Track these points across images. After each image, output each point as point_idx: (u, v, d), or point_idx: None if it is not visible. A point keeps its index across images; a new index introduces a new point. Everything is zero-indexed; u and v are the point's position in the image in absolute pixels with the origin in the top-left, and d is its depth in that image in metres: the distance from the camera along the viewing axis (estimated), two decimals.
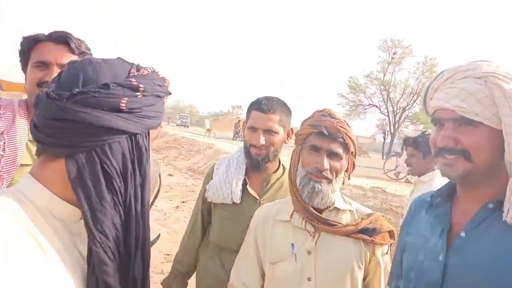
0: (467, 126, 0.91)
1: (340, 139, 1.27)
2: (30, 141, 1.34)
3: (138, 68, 0.70)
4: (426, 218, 1.09)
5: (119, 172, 0.67)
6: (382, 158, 29.52)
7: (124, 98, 0.65)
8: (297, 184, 1.32)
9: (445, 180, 2.42)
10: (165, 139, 20.18)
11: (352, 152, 1.33)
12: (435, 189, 2.92)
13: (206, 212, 1.78)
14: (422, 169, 2.85)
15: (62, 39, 1.36)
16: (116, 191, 0.66)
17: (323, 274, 1.26)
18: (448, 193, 1.08)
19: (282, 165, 1.76)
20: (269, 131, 1.62)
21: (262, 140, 1.60)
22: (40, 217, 0.63)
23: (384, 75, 37.81)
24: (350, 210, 1.38)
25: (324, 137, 1.27)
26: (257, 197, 1.66)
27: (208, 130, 26.62)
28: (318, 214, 1.30)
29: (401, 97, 37.64)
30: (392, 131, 37.06)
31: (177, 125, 47.93)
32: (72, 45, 1.36)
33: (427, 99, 1.01)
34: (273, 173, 1.73)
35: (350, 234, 1.28)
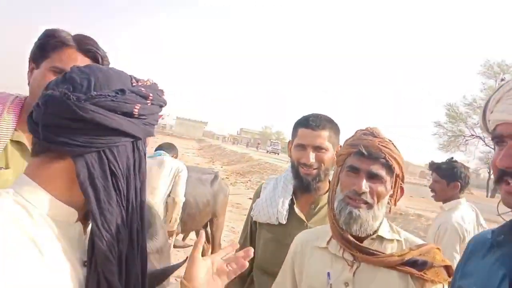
0: None
1: (382, 160, 1.16)
2: (12, 141, 1.22)
3: (137, 79, 0.74)
4: (485, 260, 0.91)
5: (124, 174, 0.70)
6: (487, 196, 26.19)
7: (137, 105, 0.69)
8: (335, 209, 1.22)
9: (469, 211, 2.15)
10: (250, 163, 20.77)
11: (397, 175, 1.20)
12: (456, 218, 2.49)
13: (254, 231, 1.72)
14: (445, 196, 2.78)
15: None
16: (120, 192, 0.69)
17: None
18: None
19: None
20: (318, 148, 1.54)
21: (312, 158, 1.53)
22: (37, 218, 0.63)
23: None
24: (397, 240, 1.23)
25: (363, 157, 1.17)
26: (304, 220, 1.58)
27: None
28: (357, 242, 1.18)
29: None
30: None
31: (268, 151, 48.78)
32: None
33: (487, 112, 0.87)
34: (323, 194, 1.62)
35: (394, 266, 1.14)
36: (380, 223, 1.22)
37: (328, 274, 1.18)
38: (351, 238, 1.18)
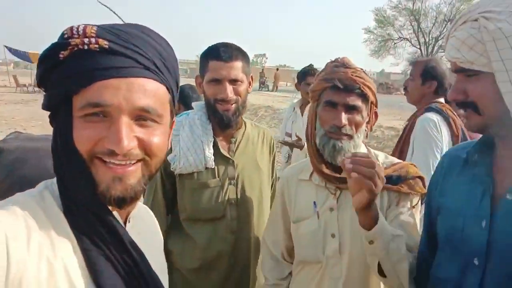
0: (471, 76, 0.86)
1: (357, 91, 1.19)
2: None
3: None
4: (462, 177, 0.99)
5: None
6: None
7: None
8: (317, 144, 1.25)
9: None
10: None
11: (372, 102, 1.24)
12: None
13: (169, 186, 1.56)
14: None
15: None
16: None
17: (347, 230, 1.23)
18: (487, 148, 0.95)
19: (242, 119, 1.64)
20: (234, 81, 1.47)
21: (230, 92, 1.46)
22: None
23: (414, 3, 35.23)
24: None
25: (339, 91, 1.19)
26: (229, 156, 1.56)
27: None
28: (335, 174, 1.24)
29: (433, 26, 35.34)
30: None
31: None
32: None
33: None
34: (239, 128, 1.61)
35: None
36: (359, 149, 1.28)
37: (314, 203, 1.28)
38: (329, 172, 1.24)
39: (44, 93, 0.67)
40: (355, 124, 1.21)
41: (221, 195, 1.52)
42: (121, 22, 0.73)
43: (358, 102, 1.20)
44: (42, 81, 0.66)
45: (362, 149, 1.29)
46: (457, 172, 1.01)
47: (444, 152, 2.11)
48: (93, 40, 0.61)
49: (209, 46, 1.52)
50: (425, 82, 2.37)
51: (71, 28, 0.63)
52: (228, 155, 1.56)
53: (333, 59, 1.29)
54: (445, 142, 2.22)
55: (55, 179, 0.67)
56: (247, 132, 1.64)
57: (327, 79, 1.22)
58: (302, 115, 3.44)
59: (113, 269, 0.63)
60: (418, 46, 36.18)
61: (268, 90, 26.19)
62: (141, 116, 0.64)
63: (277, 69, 28.50)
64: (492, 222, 0.87)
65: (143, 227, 0.80)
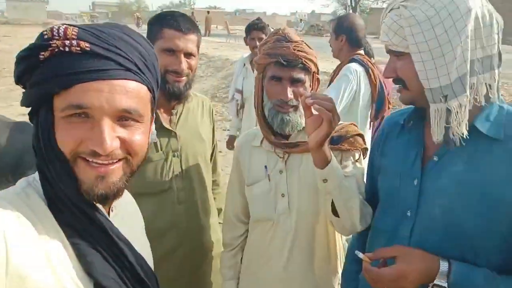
0: (400, 57, 0.98)
1: (300, 65, 1.25)
2: None
3: None
4: (399, 140, 1.11)
5: None
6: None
7: None
8: (267, 116, 1.33)
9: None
10: None
11: (314, 72, 1.32)
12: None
13: None
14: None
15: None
16: None
17: (295, 189, 1.33)
18: (420, 116, 1.07)
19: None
20: (189, 54, 1.44)
21: (184, 65, 1.42)
22: None
23: None
24: None
25: (283, 66, 1.25)
26: (172, 129, 1.52)
27: None
28: (281, 141, 1.34)
29: None
30: (353, 4, 35.80)
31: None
32: None
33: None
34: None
35: None
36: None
37: (265, 167, 1.38)
38: (276, 140, 1.34)
39: (23, 90, 0.67)
40: (300, 95, 1.27)
41: (165, 168, 1.49)
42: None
43: (301, 75, 1.27)
44: (20, 79, 0.66)
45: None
46: (395, 136, 1.14)
47: (356, 97, 2.46)
48: (74, 42, 0.62)
49: (164, 12, 1.46)
50: (337, 37, 2.63)
51: (52, 29, 0.63)
52: (170, 127, 1.52)
53: (275, 31, 1.34)
54: (364, 90, 2.51)
55: (36, 175, 0.68)
56: (186, 103, 1.59)
57: (271, 54, 1.27)
58: (253, 70, 3.43)
59: (104, 260, 0.66)
60: None
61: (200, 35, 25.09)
62: (123, 117, 0.66)
63: (208, 12, 27.25)
64: (422, 180, 1.00)
65: (125, 211, 0.83)
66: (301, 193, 1.33)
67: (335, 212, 1.18)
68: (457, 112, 0.91)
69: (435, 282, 0.89)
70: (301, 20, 30.69)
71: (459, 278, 0.88)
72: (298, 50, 1.25)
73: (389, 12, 0.97)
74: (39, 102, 0.65)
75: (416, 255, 0.94)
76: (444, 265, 0.90)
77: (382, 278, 0.94)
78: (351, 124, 1.38)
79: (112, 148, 0.64)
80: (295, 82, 1.27)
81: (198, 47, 1.50)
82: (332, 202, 1.16)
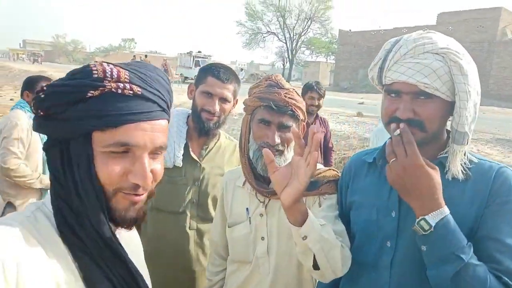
0: (425, 99, 0.97)
1: (290, 112, 1.27)
2: None
3: None
4: (369, 178, 1.16)
5: None
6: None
7: None
8: (251, 157, 1.33)
9: None
10: None
11: (302, 119, 1.34)
12: None
13: None
14: None
15: None
16: None
17: (274, 233, 1.34)
18: None
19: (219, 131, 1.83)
20: (224, 100, 1.67)
21: (217, 107, 1.65)
22: None
23: (279, 0, 37.85)
24: None
25: (273, 111, 1.26)
26: (198, 160, 1.72)
27: None
28: (261, 188, 1.33)
29: (296, 23, 38.66)
30: (290, 57, 38.27)
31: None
32: None
33: (384, 70, 1.02)
34: (214, 137, 1.80)
35: None
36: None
37: (247, 209, 1.38)
38: (257, 186, 1.34)
39: (50, 121, 0.67)
40: (287, 141, 1.28)
41: (183, 193, 1.67)
42: None
43: (290, 122, 1.28)
44: (50, 109, 0.66)
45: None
46: (364, 174, 1.18)
47: None
48: (127, 85, 0.66)
49: (212, 64, 1.74)
50: None
51: (103, 70, 0.66)
52: (196, 159, 1.71)
53: (267, 77, 1.37)
54: None
55: (46, 200, 0.70)
56: (219, 142, 1.80)
57: (262, 98, 1.29)
58: None
59: (109, 283, 0.67)
60: (284, 41, 39.18)
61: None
62: (157, 152, 0.72)
63: (146, 56, 27.40)
64: (400, 211, 1.05)
65: (127, 235, 0.84)
66: (280, 236, 1.32)
67: (315, 265, 1.09)
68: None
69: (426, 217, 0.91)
70: (241, 69, 31.93)
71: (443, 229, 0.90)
72: (289, 97, 1.28)
73: (422, 54, 0.97)
74: (74, 136, 0.66)
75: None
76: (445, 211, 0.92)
77: (418, 160, 0.92)
78: (330, 169, 1.36)
79: (150, 181, 0.69)
80: (283, 128, 1.28)
81: (234, 95, 1.73)
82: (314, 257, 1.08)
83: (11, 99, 12.16)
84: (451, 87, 0.97)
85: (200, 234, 1.72)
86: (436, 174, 0.94)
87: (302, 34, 39.24)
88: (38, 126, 0.69)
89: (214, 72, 1.67)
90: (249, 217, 1.36)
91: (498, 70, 26.79)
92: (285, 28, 38.83)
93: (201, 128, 1.68)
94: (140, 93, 0.67)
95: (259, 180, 1.34)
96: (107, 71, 0.66)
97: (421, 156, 0.94)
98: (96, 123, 0.65)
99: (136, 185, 0.68)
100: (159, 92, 0.71)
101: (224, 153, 1.80)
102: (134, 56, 28.99)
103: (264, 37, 39.85)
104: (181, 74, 26.75)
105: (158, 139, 0.70)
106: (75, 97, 0.64)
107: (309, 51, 41.50)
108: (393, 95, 1.02)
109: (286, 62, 37.57)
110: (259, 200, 1.36)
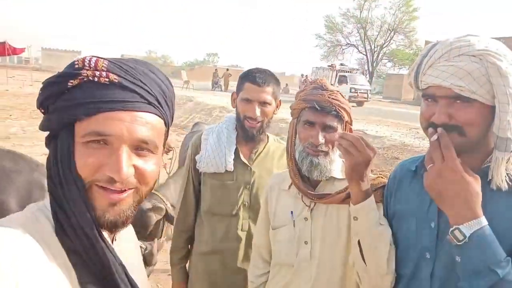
0: (462, 103, 0.93)
1: (334, 112, 1.30)
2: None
3: None
4: (412, 187, 1.13)
5: None
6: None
7: None
8: (296, 159, 1.36)
9: None
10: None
11: (347, 121, 1.35)
12: None
13: (197, 183, 1.84)
14: None
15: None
16: None
17: (318, 238, 1.34)
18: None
19: (266, 134, 1.85)
20: (263, 103, 1.69)
21: (258, 112, 1.68)
22: None
23: (361, 12, 37.05)
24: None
25: (317, 112, 1.30)
26: (248, 164, 1.77)
27: (186, 82, 25.70)
28: (308, 191, 1.35)
29: (378, 35, 37.31)
30: (370, 69, 37.07)
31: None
32: None
33: (420, 74, 1.00)
34: (262, 141, 1.83)
35: (340, 201, 1.30)
36: (335, 164, 1.37)
37: (292, 212, 1.40)
38: (303, 187, 1.36)
39: (46, 116, 0.70)
40: (331, 142, 1.31)
41: (235, 196, 1.74)
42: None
43: (334, 122, 1.31)
44: (43, 103, 0.69)
45: (337, 164, 1.38)
46: (408, 182, 1.16)
47: None
48: (104, 73, 0.66)
49: (249, 69, 1.76)
50: None
51: (83, 60, 0.67)
52: (247, 163, 1.77)
53: (312, 81, 1.42)
54: None
55: (46, 202, 0.69)
56: (268, 145, 1.84)
57: (306, 100, 1.33)
58: None
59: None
60: (365, 53, 38.07)
61: (221, 90, 26.18)
62: (140, 147, 0.69)
63: (227, 69, 28.65)
64: (439, 222, 1.03)
65: (126, 241, 0.83)
66: (324, 241, 1.34)
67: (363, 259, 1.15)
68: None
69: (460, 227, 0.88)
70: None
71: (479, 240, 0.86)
72: (332, 98, 1.31)
73: (457, 56, 0.94)
74: (60, 127, 0.67)
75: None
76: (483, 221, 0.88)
77: (455, 164, 0.91)
78: (379, 177, 1.35)
79: (127, 175, 0.66)
80: (328, 128, 1.31)
81: (274, 96, 1.73)
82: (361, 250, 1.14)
83: None
84: (491, 90, 0.92)
85: (250, 235, 1.77)
86: (474, 182, 0.90)
87: (384, 45, 37.76)
88: (41, 125, 0.70)
89: (250, 77, 1.70)
90: (293, 221, 1.38)
91: None
92: (365, 40, 37.75)
93: (246, 134, 1.73)
94: (116, 81, 0.66)
95: (306, 183, 1.37)
96: (85, 60, 0.67)
97: (461, 163, 0.91)
98: (75, 112, 0.65)
99: (110, 178, 0.65)
100: (144, 84, 0.69)
101: (273, 156, 1.84)
102: (216, 69, 30.52)
103: (343, 49, 39.22)
104: None
105: (138, 131, 0.67)
106: (59, 88, 0.66)
107: (391, 63, 39.74)
108: (429, 99, 0.99)
109: (366, 75, 36.38)
110: (304, 203, 1.38)
